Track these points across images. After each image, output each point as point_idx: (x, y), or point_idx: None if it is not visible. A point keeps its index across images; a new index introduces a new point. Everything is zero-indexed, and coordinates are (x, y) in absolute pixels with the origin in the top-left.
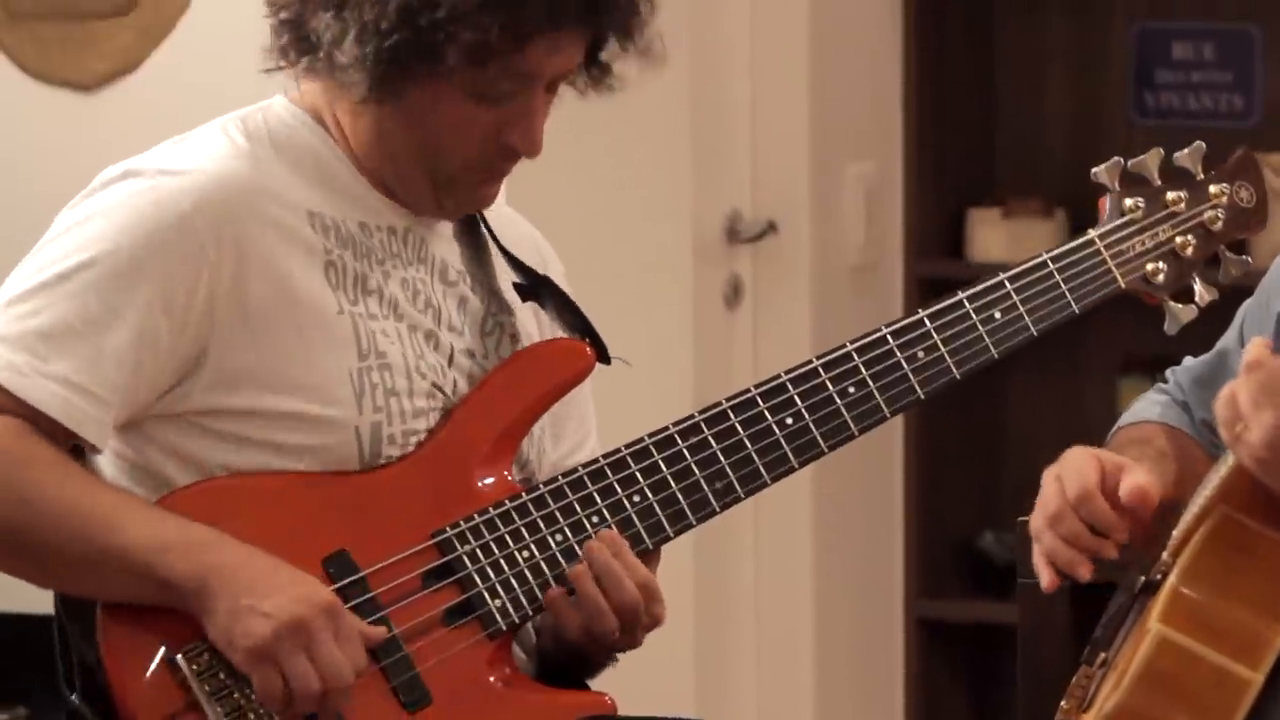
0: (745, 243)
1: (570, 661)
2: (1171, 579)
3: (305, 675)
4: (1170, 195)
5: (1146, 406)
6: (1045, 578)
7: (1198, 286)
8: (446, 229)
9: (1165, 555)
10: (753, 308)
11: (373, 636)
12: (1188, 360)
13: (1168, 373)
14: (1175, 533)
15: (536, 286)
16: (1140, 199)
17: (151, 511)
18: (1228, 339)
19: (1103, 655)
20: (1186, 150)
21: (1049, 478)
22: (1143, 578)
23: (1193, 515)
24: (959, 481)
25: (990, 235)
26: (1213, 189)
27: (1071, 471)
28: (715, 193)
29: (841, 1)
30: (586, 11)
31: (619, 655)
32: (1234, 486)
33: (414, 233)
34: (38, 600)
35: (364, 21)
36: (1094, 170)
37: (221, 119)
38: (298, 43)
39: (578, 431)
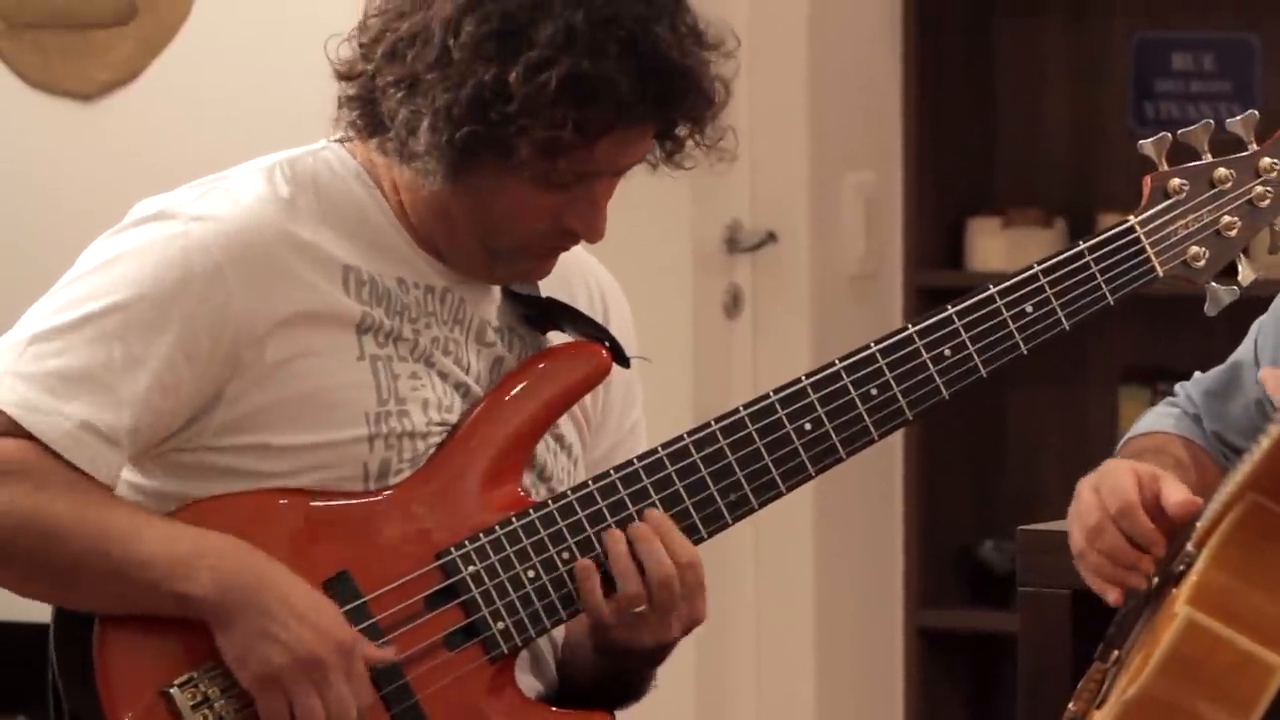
0: (745, 252)
1: (600, 681)
2: (1199, 564)
3: (313, 711)
4: (1219, 172)
5: (1158, 418)
6: (1112, 596)
7: (1242, 266)
8: (493, 288)
9: (1190, 546)
10: (752, 317)
11: (381, 660)
12: (1198, 374)
13: (1177, 387)
14: (1199, 524)
15: (547, 312)
16: (1185, 179)
17: (169, 525)
18: (1242, 352)
19: (1115, 652)
20: (1239, 118)
21: (1086, 489)
22: (1157, 579)
23: (1219, 504)
24: (959, 490)
25: (989, 245)
26: (1264, 162)
27: (1110, 485)
28: (715, 203)
29: (840, 11)
30: (657, 106)
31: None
32: (1264, 474)
33: (452, 293)
34: (37, 608)
35: (436, 107)
36: (1140, 143)
37: (271, 159)
38: (368, 121)
39: (616, 431)
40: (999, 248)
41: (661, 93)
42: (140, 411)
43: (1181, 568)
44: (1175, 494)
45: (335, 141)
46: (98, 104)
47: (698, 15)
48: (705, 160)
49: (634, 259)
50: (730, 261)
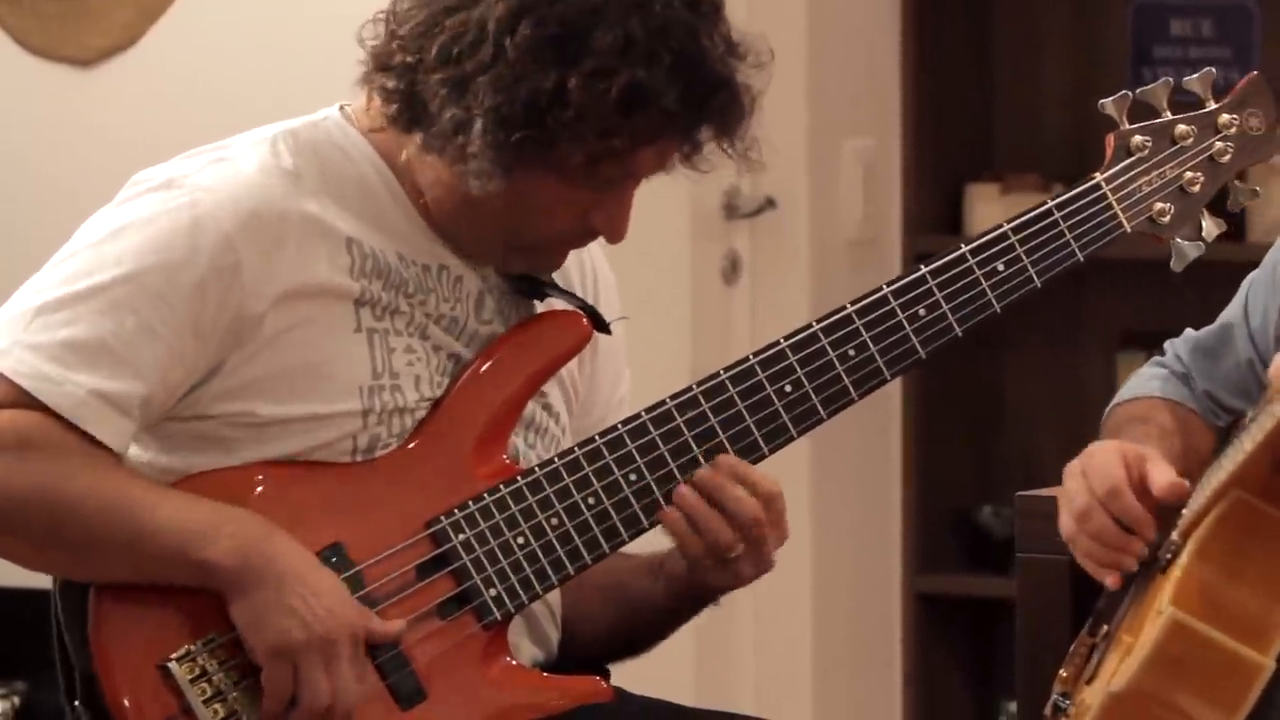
0: (743, 219)
1: (659, 616)
2: (1184, 561)
3: (319, 690)
4: (1179, 129)
5: (1144, 381)
6: (1110, 580)
7: (1205, 221)
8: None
9: (1175, 535)
10: (750, 284)
11: (389, 635)
12: (1188, 332)
13: (1166, 345)
14: (1186, 513)
15: (534, 284)
16: (1147, 136)
17: (185, 496)
18: (1232, 312)
19: (1105, 627)
20: (1195, 75)
21: (1073, 474)
22: (1146, 552)
23: (1205, 497)
24: (957, 456)
25: (988, 210)
26: (1222, 118)
27: (1097, 468)
28: (713, 169)
29: None
30: (700, 116)
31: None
32: (1249, 471)
33: (449, 269)
34: (37, 575)
35: (487, 108)
36: (1101, 102)
37: (273, 129)
38: (410, 116)
39: (605, 403)
40: (997, 213)
41: (705, 103)
42: (153, 382)
43: (1168, 556)
44: (1161, 477)
45: (337, 110)
46: (96, 70)
47: (732, 26)
48: (736, 167)
49: (632, 225)
50: (729, 228)
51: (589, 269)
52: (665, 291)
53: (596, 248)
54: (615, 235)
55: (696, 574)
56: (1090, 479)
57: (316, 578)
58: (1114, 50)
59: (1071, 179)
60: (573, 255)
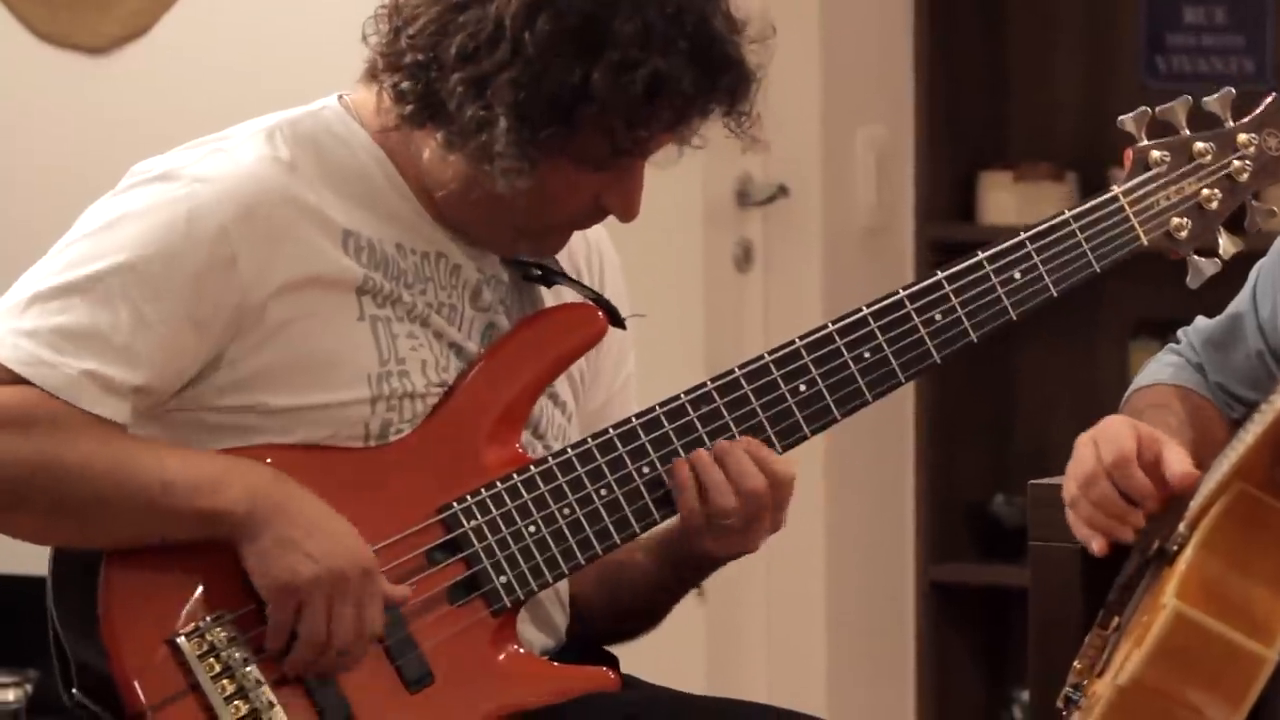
0: (756, 206)
1: (650, 591)
2: (1188, 553)
3: (318, 626)
4: (1198, 146)
5: (1159, 369)
6: (1096, 545)
7: (1222, 239)
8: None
9: (1182, 527)
10: (763, 271)
11: (396, 597)
12: (1200, 320)
13: (1180, 333)
14: (1193, 504)
15: (545, 273)
16: (1166, 151)
17: (190, 450)
18: (1241, 301)
19: (1116, 620)
20: (1215, 96)
21: (1084, 442)
22: (1158, 543)
23: (1211, 488)
24: (970, 445)
25: (1001, 198)
26: (1241, 138)
27: (1108, 438)
28: (726, 157)
29: None
30: (714, 97)
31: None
32: (1252, 463)
33: (448, 257)
34: (46, 562)
35: (509, 105)
36: (1120, 119)
37: (271, 119)
38: (427, 116)
39: (609, 386)
40: (1010, 201)
41: (719, 84)
42: (147, 372)
43: (1175, 548)
44: (1177, 464)
45: (336, 100)
46: (107, 57)
47: (731, 1)
48: (742, 145)
49: (645, 213)
50: (741, 215)
51: (595, 252)
52: (678, 279)
53: (603, 231)
54: (629, 214)
55: (687, 533)
56: (1100, 448)
57: (328, 517)
58: (1127, 38)
59: (1085, 167)
60: (579, 241)
